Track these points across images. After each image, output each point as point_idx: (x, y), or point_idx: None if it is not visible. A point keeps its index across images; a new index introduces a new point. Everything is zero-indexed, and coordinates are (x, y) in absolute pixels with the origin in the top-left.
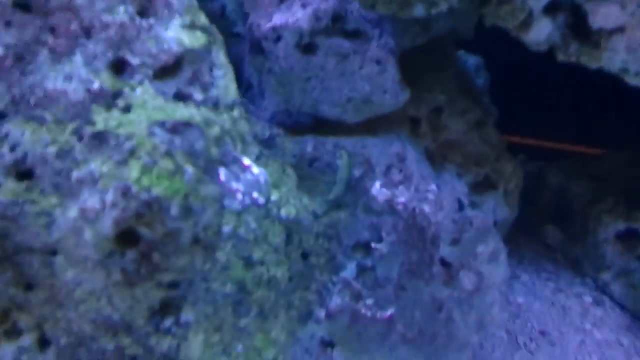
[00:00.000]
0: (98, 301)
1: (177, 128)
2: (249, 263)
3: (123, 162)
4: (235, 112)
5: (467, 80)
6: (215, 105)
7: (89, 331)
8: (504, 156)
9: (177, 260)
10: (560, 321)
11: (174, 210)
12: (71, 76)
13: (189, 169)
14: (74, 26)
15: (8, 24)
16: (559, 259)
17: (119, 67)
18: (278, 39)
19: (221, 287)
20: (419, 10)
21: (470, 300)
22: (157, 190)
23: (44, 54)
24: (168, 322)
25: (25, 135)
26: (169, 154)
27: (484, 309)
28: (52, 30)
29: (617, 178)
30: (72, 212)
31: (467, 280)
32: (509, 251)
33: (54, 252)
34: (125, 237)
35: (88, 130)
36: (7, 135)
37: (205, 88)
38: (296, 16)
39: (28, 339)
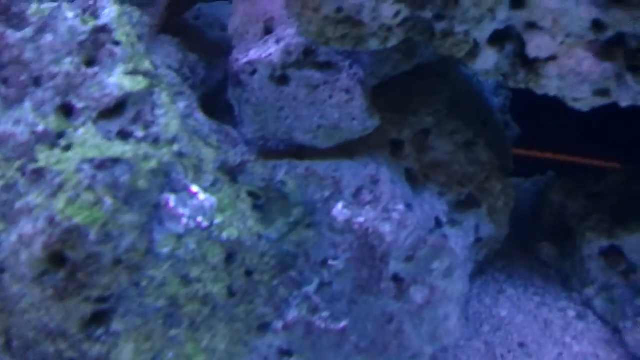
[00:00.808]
0: (38, 312)
1: (104, 164)
2: (185, 280)
3: (53, 195)
4: (176, 147)
5: (469, 101)
6: (156, 141)
7: (33, 337)
8: (494, 175)
9: (100, 279)
10: (541, 334)
11: (92, 236)
12: (19, 120)
13: (108, 200)
14: (24, 77)
15: None
16: (551, 276)
17: (66, 111)
18: (254, 72)
19: (154, 302)
20: (373, 44)
21: (421, 313)
22: (77, 219)
23: None
24: (99, 331)
25: None
26: (90, 187)
27: (437, 321)
28: (5, 81)
29: (612, 195)
30: (13, 236)
31: (418, 294)
32: (500, 267)
33: (2, 270)
34: (55, 258)
35: (30, 167)
36: None
37: (146, 126)
38: (269, 51)
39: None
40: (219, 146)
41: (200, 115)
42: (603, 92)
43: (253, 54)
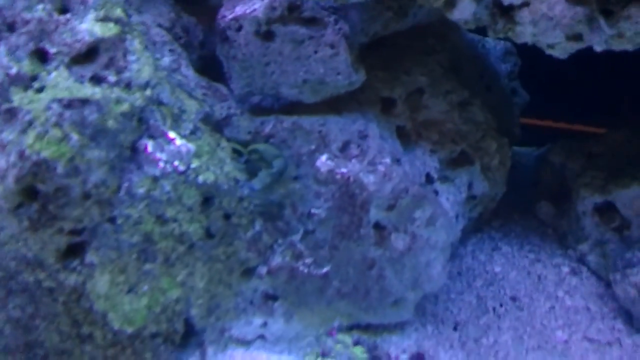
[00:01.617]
0: (17, 243)
1: (72, 103)
2: (161, 219)
3: (23, 131)
4: (148, 91)
5: (471, 65)
6: (128, 85)
7: (14, 267)
8: (489, 135)
9: (71, 212)
10: (534, 289)
11: (60, 169)
12: None
13: (75, 136)
14: None
15: None
16: (548, 234)
17: (39, 55)
18: (239, 28)
19: (129, 238)
20: None
21: (403, 260)
22: (45, 153)
23: None
24: (75, 262)
25: None
26: (58, 124)
27: (418, 268)
28: None
29: (609, 155)
30: None
31: (400, 241)
32: (497, 226)
33: None
34: (28, 191)
35: (4, 106)
36: None
37: (119, 71)
38: (254, 7)
39: None
40: (204, 100)
41: (189, 72)
42: (576, 37)
43: (239, 10)
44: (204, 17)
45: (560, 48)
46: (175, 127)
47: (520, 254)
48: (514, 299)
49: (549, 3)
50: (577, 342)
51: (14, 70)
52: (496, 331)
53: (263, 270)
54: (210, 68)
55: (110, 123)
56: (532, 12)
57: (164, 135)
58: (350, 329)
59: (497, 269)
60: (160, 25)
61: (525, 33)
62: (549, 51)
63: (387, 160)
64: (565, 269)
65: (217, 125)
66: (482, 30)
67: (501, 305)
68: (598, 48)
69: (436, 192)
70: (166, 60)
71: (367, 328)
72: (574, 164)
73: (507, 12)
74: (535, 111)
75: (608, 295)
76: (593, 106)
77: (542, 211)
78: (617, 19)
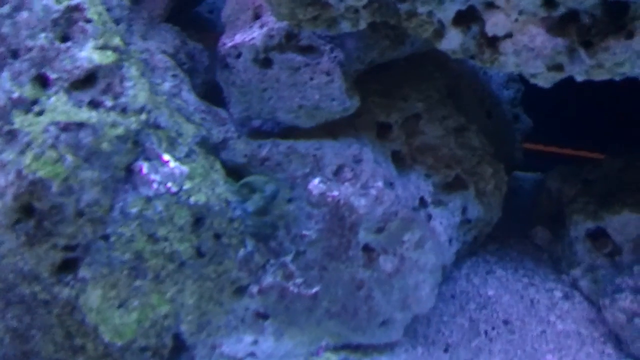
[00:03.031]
0: (15, 257)
1: (68, 127)
2: (152, 238)
3: (22, 152)
4: (144, 116)
5: (470, 91)
6: (124, 110)
7: (12, 279)
8: (485, 160)
9: (65, 228)
10: (526, 312)
11: (55, 188)
12: None
13: (69, 157)
14: (2, 49)
15: None
16: (543, 259)
17: (40, 81)
18: (239, 55)
19: (121, 255)
20: (345, 26)
21: (391, 281)
22: (41, 173)
23: None
24: (68, 277)
25: None
26: (54, 146)
27: (407, 290)
28: None
29: (603, 181)
30: None
31: (388, 263)
32: (493, 250)
33: None
34: (25, 208)
35: (6, 128)
36: None
37: (115, 97)
38: (253, 35)
39: None
40: (201, 123)
41: (190, 96)
42: (557, 67)
43: (238, 38)
44: (212, 43)
45: (542, 78)
46: (171, 149)
47: (515, 277)
48: (506, 322)
49: (530, 35)
50: None
51: (16, 95)
52: (487, 354)
53: (254, 289)
54: (215, 92)
55: (105, 145)
56: (515, 43)
57: (158, 157)
58: (340, 348)
59: (491, 293)
60: (164, 52)
61: (509, 63)
62: (532, 80)
63: (380, 184)
64: (558, 294)
65: (214, 149)
66: None
67: (493, 329)
68: (579, 78)
69: (430, 216)
70: (167, 85)
71: (357, 348)
72: (570, 190)
73: (493, 43)
74: (539, 137)
75: (599, 320)
76: (597, 132)
77: (538, 236)
78: (596, 50)
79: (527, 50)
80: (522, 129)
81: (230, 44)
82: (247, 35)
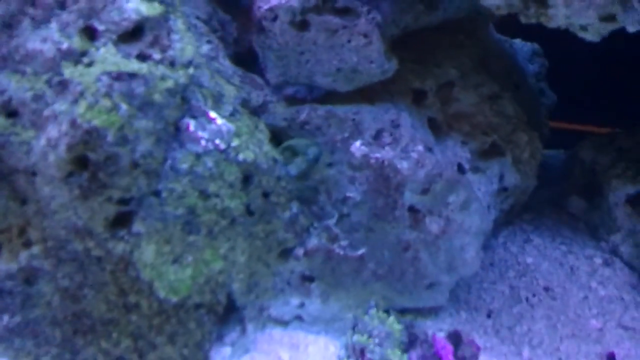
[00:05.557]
0: (67, 211)
1: (121, 76)
2: (203, 194)
3: (74, 102)
4: (191, 70)
5: (499, 62)
6: (172, 63)
7: (64, 236)
8: (520, 128)
9: (120, 180)
10: (566, 279)
11: (110, 137)
12: (46, 39)
13: (124, 106)
14: (49, 0)
15: None
16: (579, 227)
17: (88, 32)
18: (275, 18)
19: (173, 210)
20: None
21: (437, 243)
22: (96, 122)
23: (26, 22)
24: (122, 231)
25: (11, 84)
26: (107, 94)
27: (453, 252)
28: (32, 3)
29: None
30: (42, 141)
31: (434, 224)
32: (529, 219)
33: (34, 173)
34: (79, 160)
35: (56, 79)
36: None
37: (163, 50)
38: None
39: (36, 248)
40: (241, 87)
41: (225, 61)
42: (609, 17)
43: (274, 1)
44: (237, 17)
45: (593, 29)
46: (216, 108)
47: (552, 246)
48: (546, 289)
49: None
50: (611, 329)
51: (65, 46)
52: (530, 320)
53: (300, 251)
54: (243, 65)
55: (156, 97)
56: None
57: (205, 114)
58: (385, 312)
59: (529, 260)
60: (198, 17)
61: (558, 15)
62: (581, 34)
63: (420, 147)
64: (598, 260)
65: (254, 111)
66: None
67: (534, 295)
68: (631, 28)
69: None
70: (205, 48)
71: (402, 312)
72: (605, 159)
73: None
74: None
75: None
76: (620, 108)
77: (573, 205)
78: None
79: (579, 0)
80: (548, 104)
81: (266, 7)
82: None
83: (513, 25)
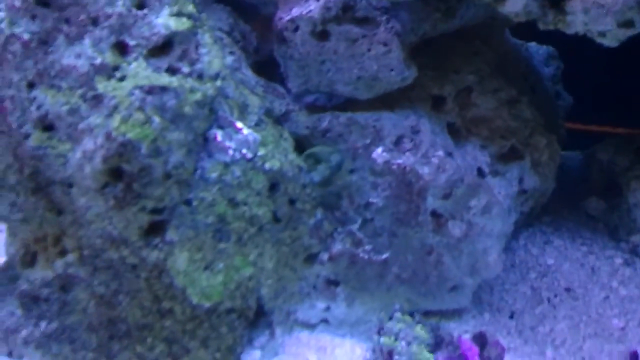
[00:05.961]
0: (102, 221)
1: (153, 90)
2: (232, 203)
3: (109, 115)
4: (218, 82)
5: (515, 66)
6: (200, 76)
7: (100, 245)
8: (538, 131)
9: (154, 190)
10: (588, 280)
11: (144, 149)
12: (80, 55)
13: (156, 119)
14: (83, 17)
15: (33, 16)
16: (599, 228)
17: (120, 48)
18: (296, 28)
19: (204, 218)
20: None
21: (460, 246)
22: (130, 135)
23: (60, 38)
24: (156, 240)
25: (47, 99)
26: (141, 108)
27: (476, 255)
28: (66, 20)
29: None
30: (78, 153)
31: (457, 228)
32: (548, 221)
33: (70, 185)
34: (114, 171)
35: (90, 94)
36: (35, 98)
37: (191, 63)
38: (310, 8)
39: (72, 256)
40: (265, 96)
41: (248, 72)
42: (627, 23)
43: (295, 12)
44: (257, 26)
45: (612, 35)
46: (242, 118)
47: (573, 247)
48: (568, 289)
49: None
50: (633, 328)
51: (98, 61)
52: (552, 320)
53: (325, 256)
54: (264, 73)
55: (187, 109)
56: (583, 1)
57: (232, 125)
58: (410, 315)
59: (550, 262)
60: (220, 29)
61: (577, 22)
62: (599, 39)
63: (440, 153)
64: (619, 260)
65: (278, 120)
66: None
67: (556, 296)
68: None
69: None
70: (228, 59)
71: (426, 315)
72: (623, 160)
73: (557, 4)
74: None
75: None
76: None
77: (592, 206)
78: None
79: (597, 7)
80: (564, 106)
81: (287, 18)
82: (303, 9)
83: (527, 29)
